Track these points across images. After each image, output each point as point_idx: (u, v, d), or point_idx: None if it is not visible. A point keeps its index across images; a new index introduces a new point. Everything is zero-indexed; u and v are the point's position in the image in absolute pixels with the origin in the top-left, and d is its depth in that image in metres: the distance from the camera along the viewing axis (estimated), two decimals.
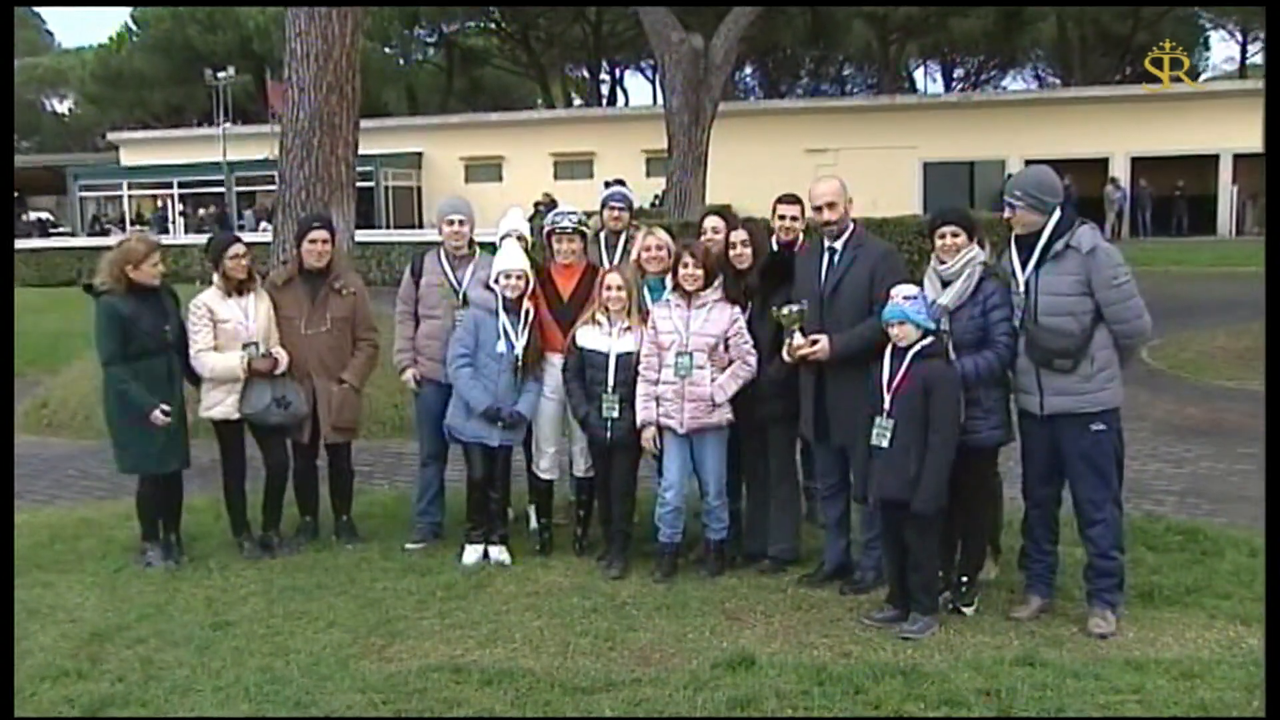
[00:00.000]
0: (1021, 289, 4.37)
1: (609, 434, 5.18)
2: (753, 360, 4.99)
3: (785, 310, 4.76)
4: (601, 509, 5.43)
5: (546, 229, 5.56)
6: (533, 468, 5.62)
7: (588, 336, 5.22)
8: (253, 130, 32.43)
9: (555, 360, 5.39)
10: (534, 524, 5.75)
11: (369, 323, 5.78)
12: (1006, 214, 4.42)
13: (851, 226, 4.85)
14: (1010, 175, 27.21)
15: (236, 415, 5.44)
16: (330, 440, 5.71)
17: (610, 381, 5.14)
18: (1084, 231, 4.33)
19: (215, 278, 5.48)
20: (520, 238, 5.61)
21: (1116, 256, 4.34)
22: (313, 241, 5.60)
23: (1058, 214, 4.34)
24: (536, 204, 24.10)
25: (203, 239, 21.66)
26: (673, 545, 5.16)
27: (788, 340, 4.79)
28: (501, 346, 5.24)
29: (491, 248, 5.62)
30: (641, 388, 5.08)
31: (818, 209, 4.84)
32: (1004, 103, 32.07)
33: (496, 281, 5.28)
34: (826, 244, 4.84)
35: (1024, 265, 4.39)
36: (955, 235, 4.49)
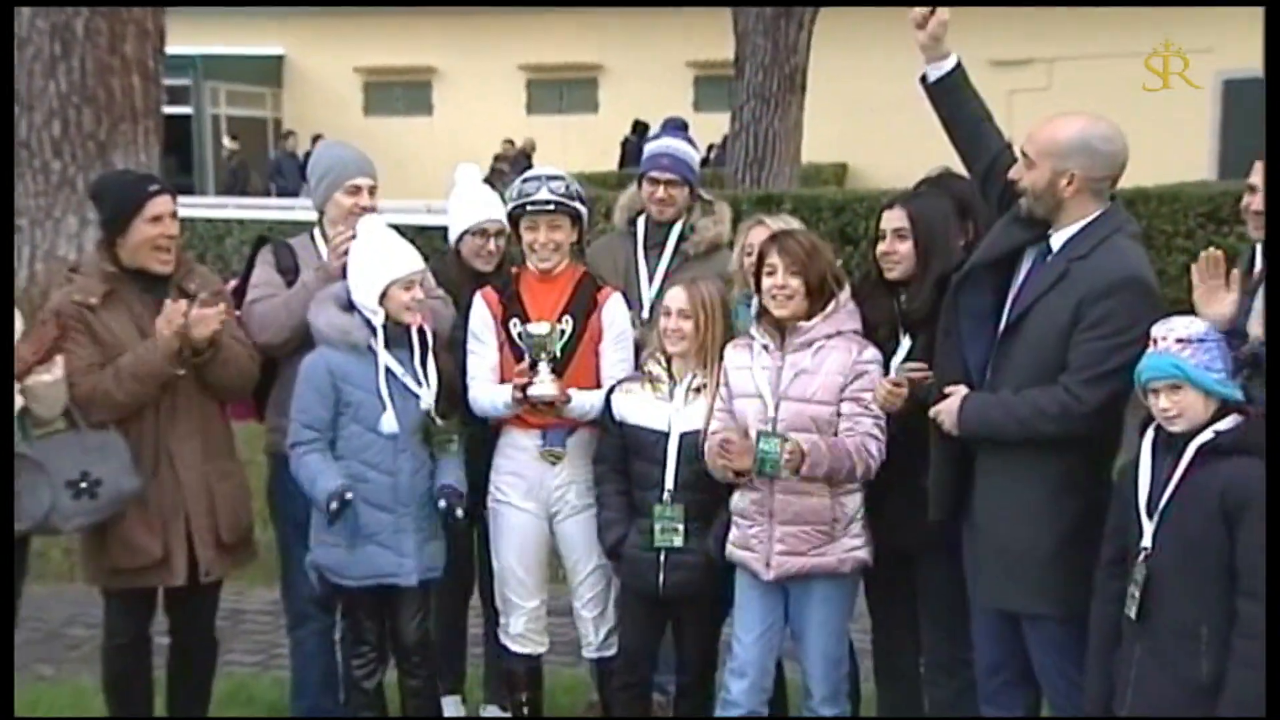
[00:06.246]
0: None
1: (662, 576, 5.11)
2: (874, 449, 4.86)
3: (534, 330, 5.20)
4: (629, 705, 5.38)
5: (510, 206, 5.57)
6: (498, 631, 5.59)
7: (632, 404, 5.21)
8: None
9: (524, 442, 5.36)
10: None
11: (241, 340, 5.56)
12: None
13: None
14: None
15: None
16: (205, 578, 5.31)
17: (669, 482, 5.07)
18: None
19: None
20: (480, 232, 5.71)
21: None
22: (156, 219, 5.21)
23: None
24: (497, 158, 24.07)
25: None
26: None
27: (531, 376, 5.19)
28: (391, 425, 5.09)
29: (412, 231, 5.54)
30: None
31: None
32: None
33: (385, 297, 5.13)
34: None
35: None
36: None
